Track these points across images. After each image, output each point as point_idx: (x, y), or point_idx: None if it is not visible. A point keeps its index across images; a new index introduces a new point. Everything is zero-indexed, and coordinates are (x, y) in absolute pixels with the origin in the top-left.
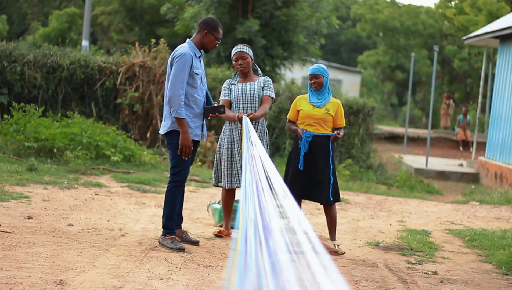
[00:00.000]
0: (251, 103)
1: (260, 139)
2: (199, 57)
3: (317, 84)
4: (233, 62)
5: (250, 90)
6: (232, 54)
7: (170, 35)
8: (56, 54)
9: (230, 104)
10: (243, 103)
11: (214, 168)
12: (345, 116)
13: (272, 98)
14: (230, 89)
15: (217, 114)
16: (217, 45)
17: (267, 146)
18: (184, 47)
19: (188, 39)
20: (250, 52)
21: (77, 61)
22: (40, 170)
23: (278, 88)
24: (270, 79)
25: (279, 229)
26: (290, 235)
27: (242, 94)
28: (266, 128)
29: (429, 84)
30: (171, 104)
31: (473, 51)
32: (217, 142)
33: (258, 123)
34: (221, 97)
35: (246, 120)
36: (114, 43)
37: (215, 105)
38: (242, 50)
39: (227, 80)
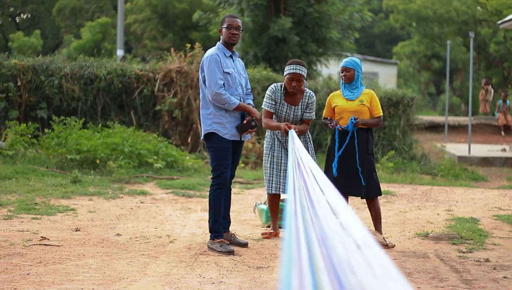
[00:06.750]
0: (292, 123)
1: (306, 148)
2: (230, 56)
3: (347, 77)
4: (286, 80)
5: (293, 115)
6: (287, 71)
7: (204, 39)
8: (93, 65)
9: (272, 115)
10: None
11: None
12: (385, 108)
13: (313, 119)
14: (276, 102)
15: (249, 130)
16: (234, 33)
17: (313, 154)
18: (211, 50)
19: (217, 42)
20: (305, 73)
21: (114, 70)
22: (84, 182)
23: (316, 84)
24: (314, 97)
25: (335, 226)
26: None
27: (284, 117)
28: (310, 135)
29: (466, 71)
30: (219, 104)
31: (509, 34)
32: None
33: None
34: (265, 106)
35: (292, 132)
36: (149, 50)
37: (246, 121)
38: (300, 72)
39: (273, 87)
